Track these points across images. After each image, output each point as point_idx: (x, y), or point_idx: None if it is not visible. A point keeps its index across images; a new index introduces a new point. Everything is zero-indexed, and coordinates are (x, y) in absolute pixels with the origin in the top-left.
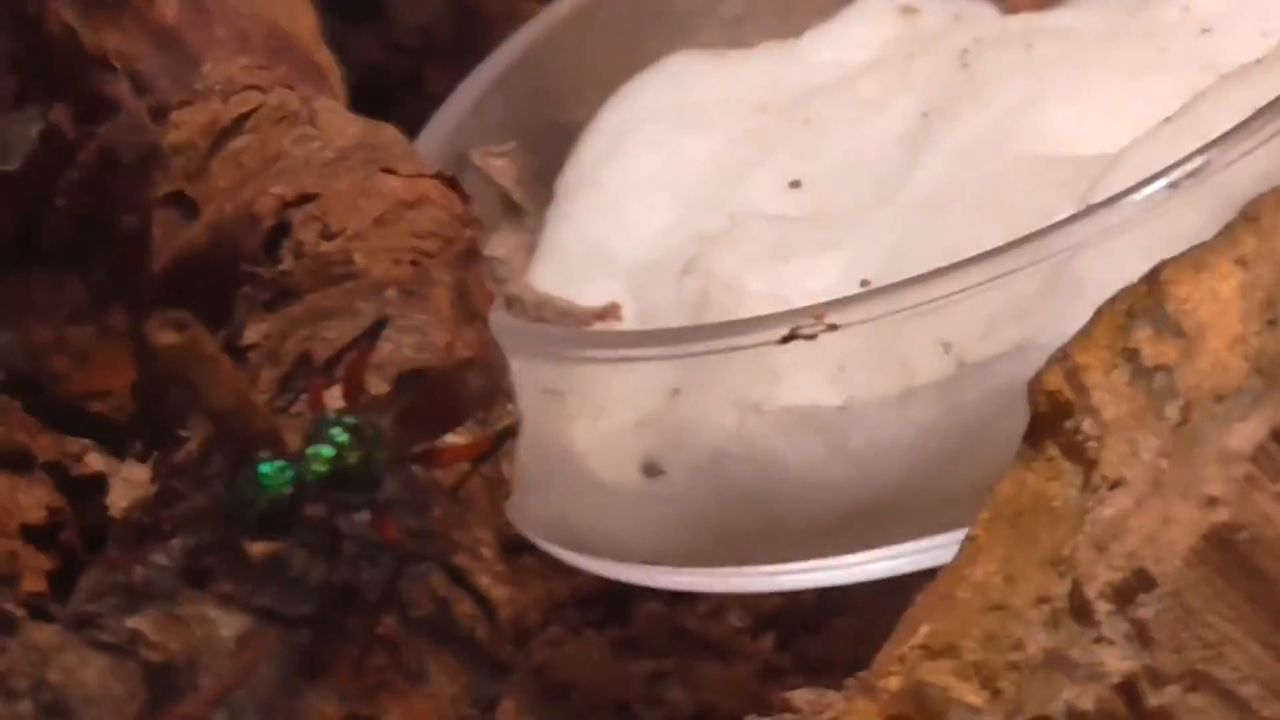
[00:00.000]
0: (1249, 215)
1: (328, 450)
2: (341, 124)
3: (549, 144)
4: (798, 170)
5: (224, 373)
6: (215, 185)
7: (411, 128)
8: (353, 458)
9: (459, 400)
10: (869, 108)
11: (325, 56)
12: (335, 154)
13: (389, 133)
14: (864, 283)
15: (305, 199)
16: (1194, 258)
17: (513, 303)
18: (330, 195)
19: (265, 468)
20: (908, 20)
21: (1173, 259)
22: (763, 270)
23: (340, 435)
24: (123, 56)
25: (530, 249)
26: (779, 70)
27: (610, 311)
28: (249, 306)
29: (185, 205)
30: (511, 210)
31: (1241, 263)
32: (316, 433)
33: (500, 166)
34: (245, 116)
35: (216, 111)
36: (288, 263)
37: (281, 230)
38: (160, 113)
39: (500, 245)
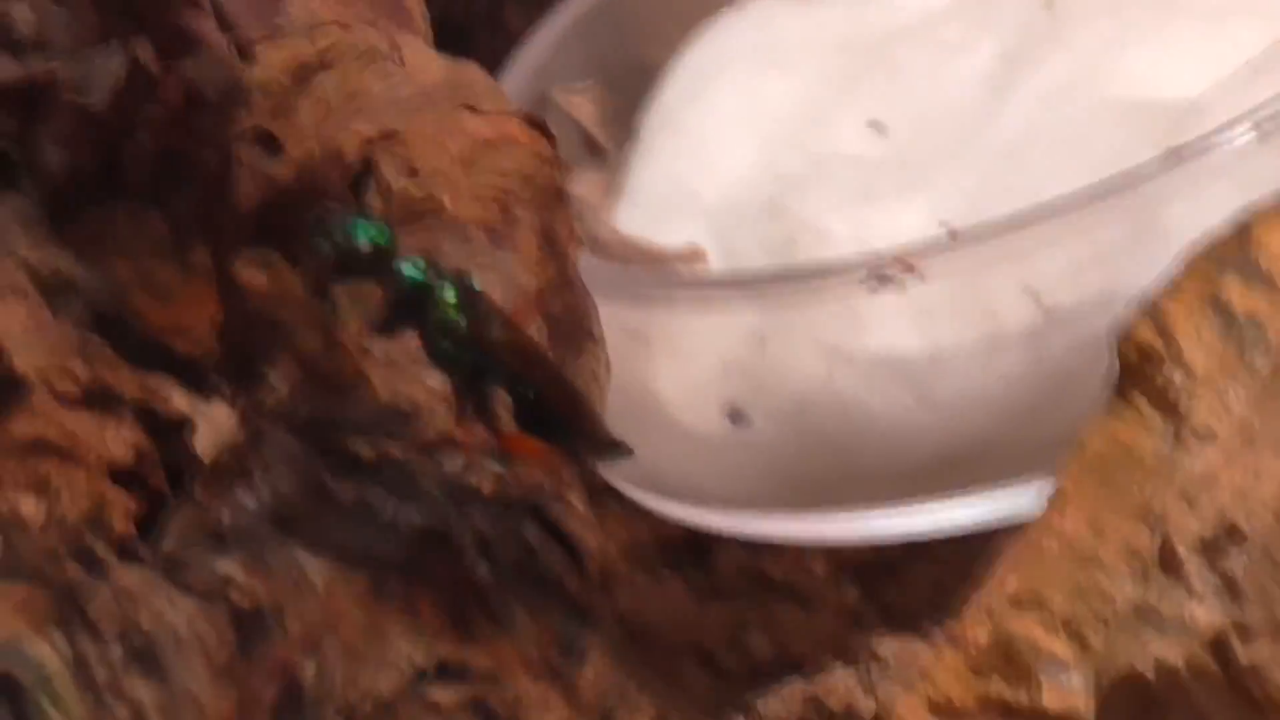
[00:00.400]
0: None
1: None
2: (425, 62)
3: (630, 83)
4: (879, 112)
5: (311, 313)
6: (299, 122)
7: (491, 66)
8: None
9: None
10: (951, 49)
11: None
12: (419, 92)
13: (473, 71)
14: (946, 226)
15: (388, 136)
16: None
17: (595, 244)
18: (413, 133)
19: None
20: None
21: (1261, 208)
22: (845, 212)
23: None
24: None
25: (611, 188)
26: (861, 12)
27: (693, 253)
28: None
29: (269, 142)
30: (592, 149)
31: None
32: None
33: (581, 105)
34: (328, 53)
35: (300, 48)
36: (373, 201)
37: (366, 168)
38: (244, 49)
39: (581, 184)
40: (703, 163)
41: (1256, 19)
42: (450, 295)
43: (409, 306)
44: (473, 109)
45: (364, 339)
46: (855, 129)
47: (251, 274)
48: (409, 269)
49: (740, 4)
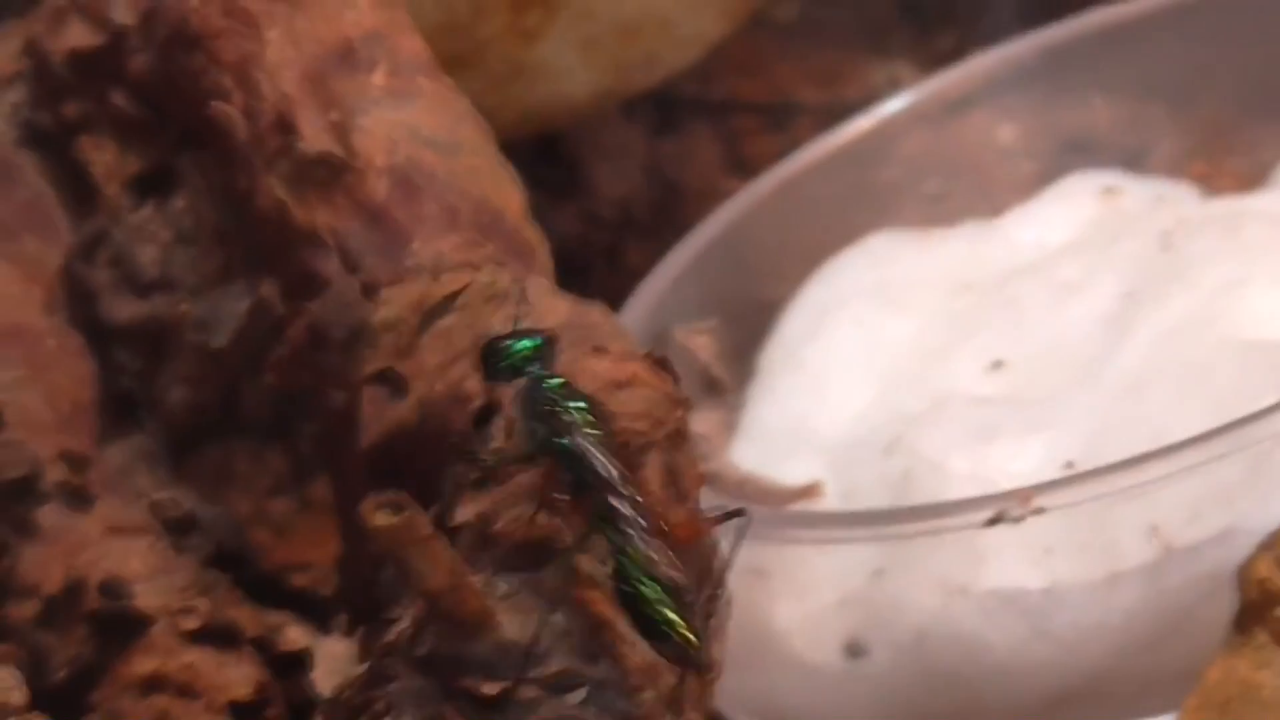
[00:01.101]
0: None
1: None
2: (551, 302)
3: (750, 321)
4: (1000, 350)
5: (438, 554)
6: (424, 363)
7: (611, 303)
8: None
9: None
10: (1070, 288)
11: (533, 233)
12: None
13: (598, 312)
14: (1068, 465)
15: None
16: None
17: (714, 480)
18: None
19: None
20: (1109, 200)
21: None
22: (966, 451)
23: None
24: (333, 233)
25: (731, 426)
26: (980, 249)
27: (812, 490)
28: (459, 485)
29: (394, 382)
30: (712, 387)
31: None
32: None
33: (702, 343)
34: (455, 294)
35: (426, 289)
36: (499, 441)
37: (491, 409)
38: (370, 289)
39: (701, 422)
40: (822, 400)
41: None
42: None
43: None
44: (599, 350)
45: (490, 576)
46: (975, 367)
47: (380, 516)
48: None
49: (860, 241)
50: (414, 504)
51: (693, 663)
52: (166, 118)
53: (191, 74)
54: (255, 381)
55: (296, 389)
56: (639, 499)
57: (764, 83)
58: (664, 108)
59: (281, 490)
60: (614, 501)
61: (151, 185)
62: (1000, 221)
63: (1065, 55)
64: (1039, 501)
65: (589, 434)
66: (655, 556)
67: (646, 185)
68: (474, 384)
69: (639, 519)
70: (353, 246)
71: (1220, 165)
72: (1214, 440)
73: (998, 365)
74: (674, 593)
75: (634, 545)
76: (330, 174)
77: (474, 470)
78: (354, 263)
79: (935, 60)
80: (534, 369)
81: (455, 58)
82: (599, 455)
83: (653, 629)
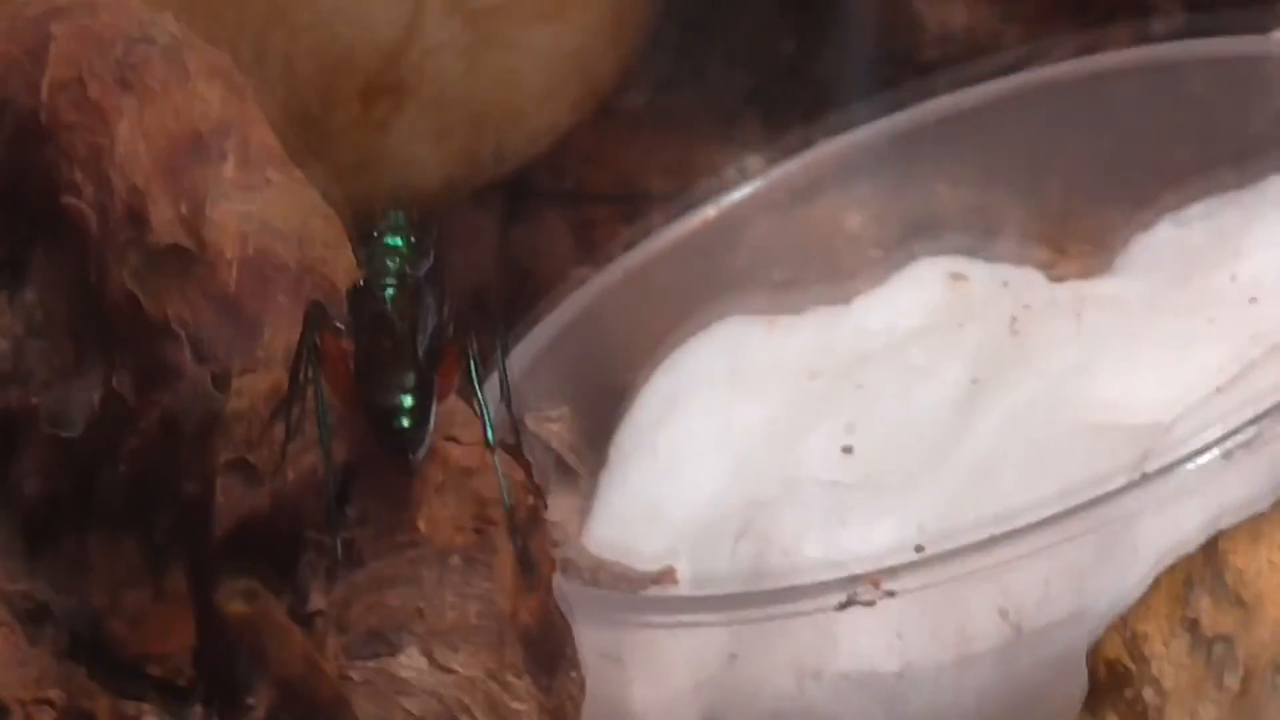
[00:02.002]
0: None
1: None
2: None
3: (601, 407)
4: (850, 435)
5: (293, 641)
6: (276, 454)
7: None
8: None
9: None
10: (920, 373)
11: None
12: None
13: (450, 400)
14: (919, 547)
15: (365, 464)
16: (1250, 527)
17: (568, 566)
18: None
19: None
20: (956, 286)
21: (1229, 529)
22: (818, 534)
23: None
24: (184, 323)
25: (584, 512)
26: (829, 335)
27: (666, 575)
28: (313, 572)
29: (247, 472)
30: (565, 473)
31: None
32: None
33: (554, 430)
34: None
35: (278, 378)
36: (351, 529)
37: (343, 495)
38: (221, 380)
39: (555, 508)
40: (675, 485)
41: (1220, 344)
42: None
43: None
44: (451, 438)
45: (344, 662)
46: (826, 451)
47: (234, 604)
48: None
49: (711, 328)
50: (268, 592)
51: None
52: (17, 210)
53: (42, 167)
54: (109, 472)
55: (150, 479)
56: None
57: (613, 171)
58: (515, 196)
59: (136, 580)
60: None
61: (2, 279)
62: (849, 307)
63: (910, 143)
64: (890, 584)
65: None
66: None
67: (497, 274)
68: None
69: None
70: (204, 337)
71: (1064, 249)
72: (1063, 522)
73: (848, 449)
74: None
75: None
76: (181, 265)
77: (327, 558)
78: (205, 353)
79: (782, 148)
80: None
81: (305, 148)
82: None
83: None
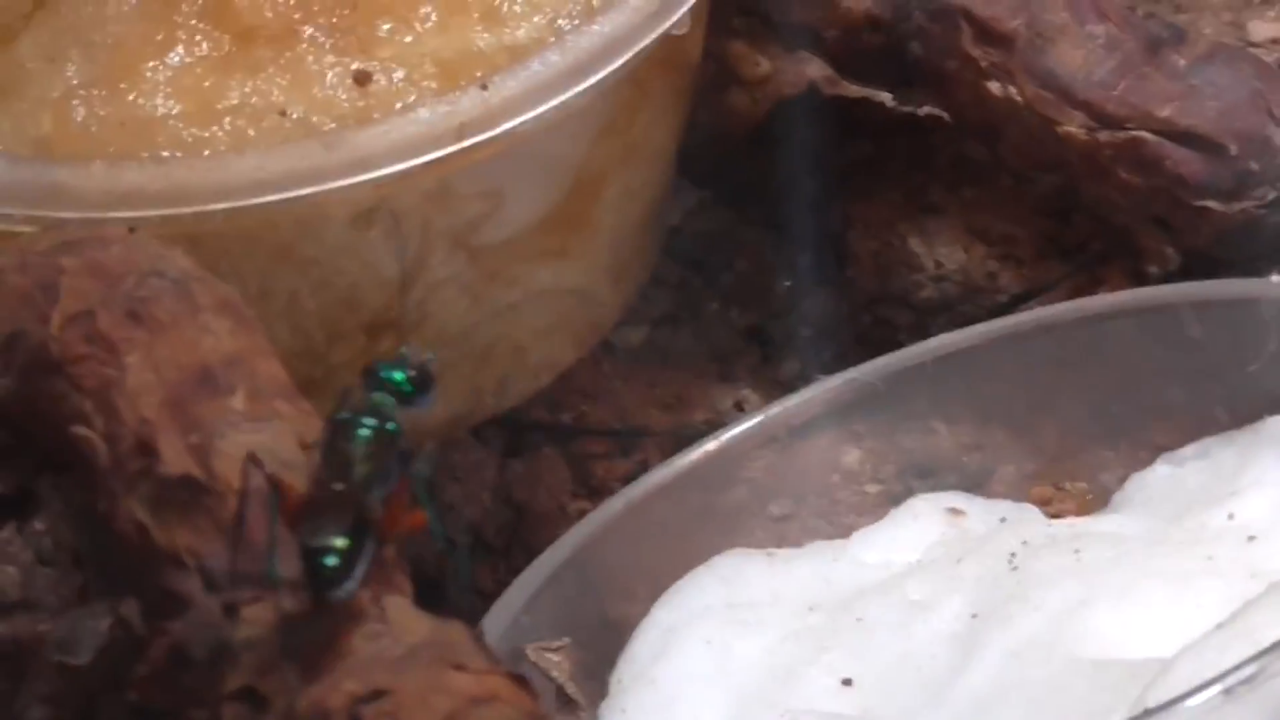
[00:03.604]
0: None
1: None
2: (410, 620)
3: (602, 640)
4: (850, 669)
5: None
6: (286, 680)
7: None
8: None
9: None
10: (918, 608)
11: (390, 551)
12: (405, 650)
13: (457, 630)
14: None
15: (376, 695)
16: None
17: None
18: (401, 692)
19: None
20: (954, 522)
21: None
22: None
23: None
24: (193, 553)
25: None
26: (828, 570)
27: None
28: None
29: (256, 701)
30: (567, 705)
31: None
32: None
33: (555, 661)
34: (315, 613)
35: (287, 606)
36: None
37: None
38: (230, 609)
39: None
40: (674, 718)
41: (1220, 580)
42: None
43: None
44: (459, 667)
45: None
46: (826, 686)
47: None
48: None
49: (710, 562)
50: None
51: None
52: (27, 441)
53: (52, 398)
54: (116, 701)
55: (157, 708)
56: None
57: (612, 407)
58: (514, 431)
59: None
60: None
61: (12, 507)
62: (847, 543)
63: (907, 381)
64: None
65: None
66: None
67: (496, 507)
68: (337, 700)
69: None
70: (213, 567)
71: (1061, 487)
72: None
73: (848, 683)
74: None
75: None
76: (191, 496)
77: None
78: (215, 583)
79: (779, 386)
80: None
81: (309, 382)
82: None
83: None
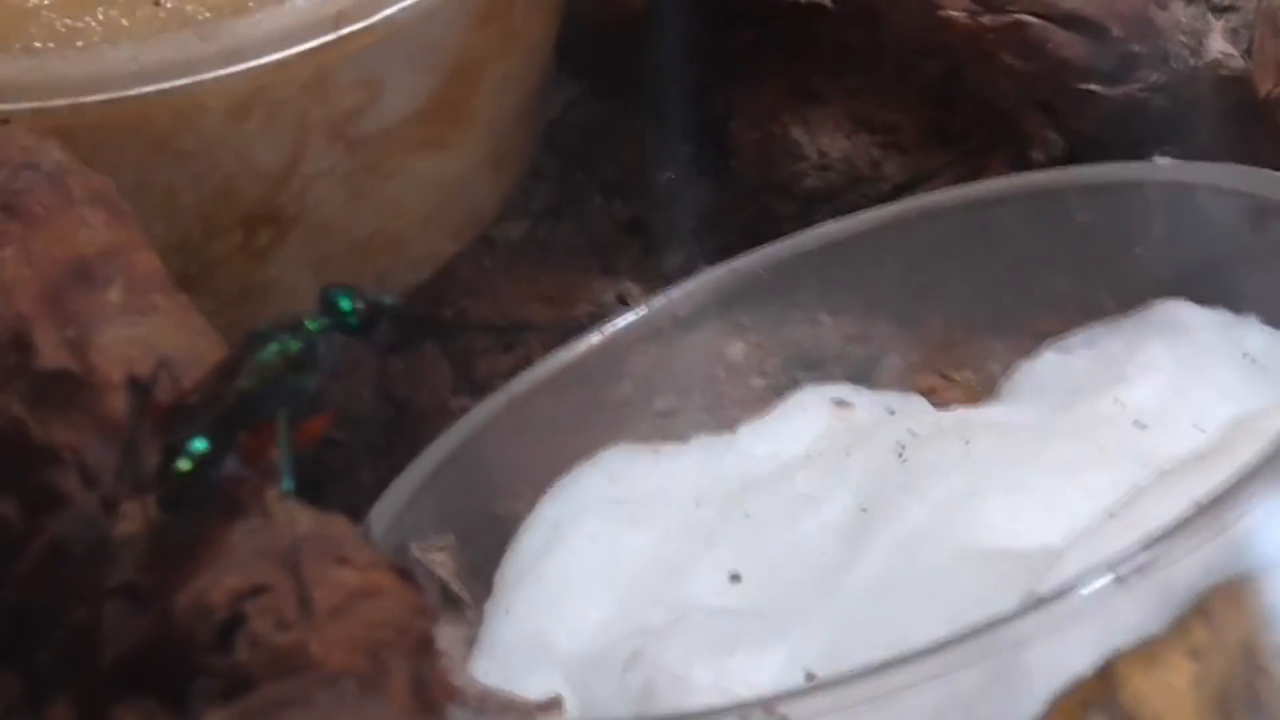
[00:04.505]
0: (1200, 608)
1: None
2: (292, 515)
3: (486, 538)
4: (738, 563)
5: None
6: (166, 577)
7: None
8: None
9: None
10: (807, 501)
11: None
12: (287, 544)
13: (340, 524)
14: (809, 675)
15: (257, 590)
16: (1146, 650)
17: (455, 695)
18: (283, 586)
19: None
20: (841, 414)
21: (1125, 652)
22: (707, 663)
23: None
24: (71, 449)
25: (470, 642)
26: (715, 464)
27: (552, 705)
28: (204, 698)
29: (136, 597)
30: (451, 603)
31: (1194, 655)
32: None
33: (439, 560)
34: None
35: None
36: (243, 653)
37: (235, 622)
38: (110, 505)
39: (440, 638)
40: (560, 614)
41: (1109, 469)
42: None
43: None
44: (343, 560)
45: None
46: (714, 580)
47: None
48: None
49: (595, 457)
50: (163, 715)
51: None
52: None
53: None
54: None
55: (36, 606)
56: None
57: (493, 302)
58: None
59: (18, 713)
60: None
61: None
62: (733, 437)
63: (792, 271)
64: (783, 710)
65: None
66: None
67: (377, 404)
68: (218, 596)
69: None
70: (92, 462)
71: (949, 377)
72: (953, 648)
73: (736, 578)
74: None
75: None
76: (68, 390)
77: (219, 683)
78: (93, 478)
79: (663, 278)
80: None
81: (185, 278)
82: None
83: None
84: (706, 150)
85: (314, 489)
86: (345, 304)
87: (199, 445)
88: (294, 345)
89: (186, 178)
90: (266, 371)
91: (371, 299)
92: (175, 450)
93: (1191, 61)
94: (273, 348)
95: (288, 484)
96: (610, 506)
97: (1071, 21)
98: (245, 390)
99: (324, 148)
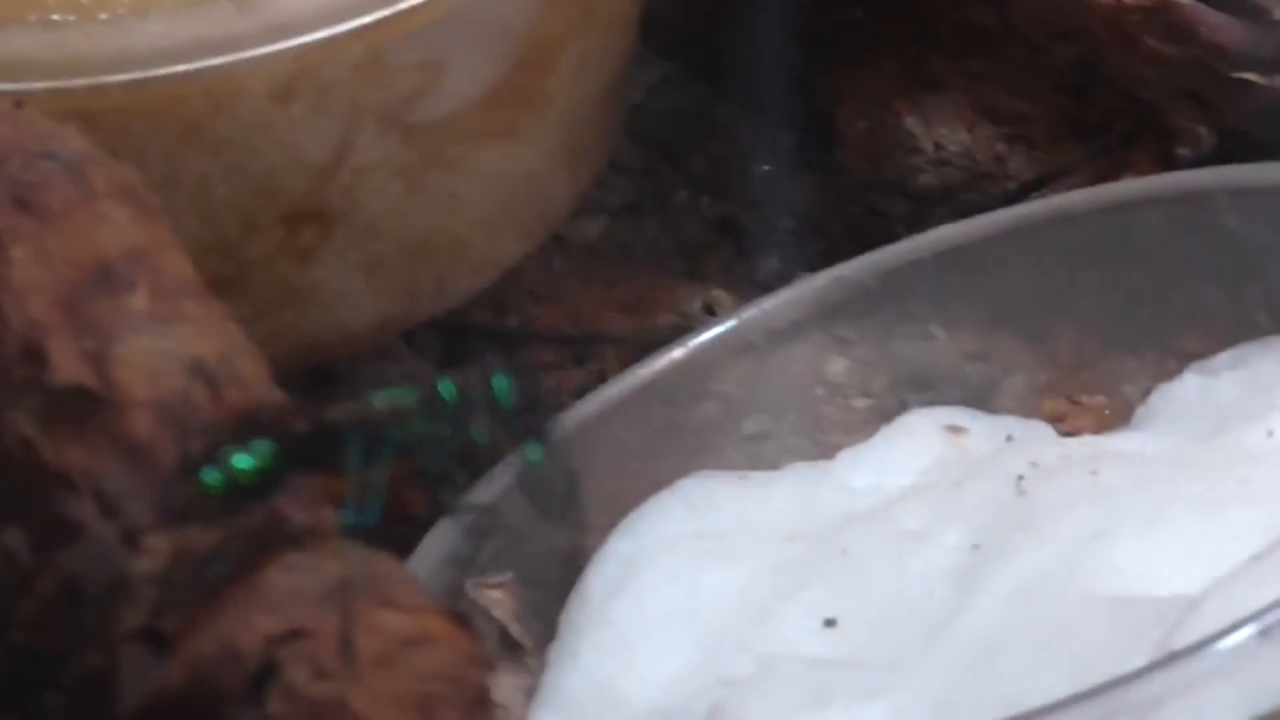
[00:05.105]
0: None
1: None
2: (335, 550)
3: (551, 574)
4: (834, 607)
5: None
6: (193, 619)
7: (398, 554)
8: None
9: None
10: (913, 539)
11: None
12: (328, 585)
13: (387, 561)
14: None
15: (295, 635)
16: None
17: None
18: (323, 632)
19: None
20: (954, 441)
21: (1268, 714)
22: (797, 719)
23: None
24: (87, 474)
25: (531, 692)
26: (810, 495)
27: None
28: None
29: (156, 641)
30: (510, 649)
31: None
32: None
33: (497, 599)
34: (225, 542)
35: (194, 535)
36: (276, 706)
37: (268, 670)
38: (130, 537)
39: (498, 688)
40: (633, 662)
41: (1256, 507)
42: None
43: None
44: (389, 604)
45: None
46: (806, 626)
47: None
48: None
49: (675, 486)
50: None
51: None
52: None
53: None
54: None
55: (47, 650)
56: None
57: (564, 310)
58: (452, 337)
59: None
60: None
61: None
62: (831, 464)
63: (903, 279)
64: None
65: None
66: None
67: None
68: (249, 640)
69: None
70: (110, 489)
71: (1077, 401)
72: (1076, 708)
73: (831, 624)
74: None
75: None
76: (85, 408)
77: None
78: (112, 507)
79: (756, 285)
80: None
81: (220, 282)
82: None
83: None
84: (808, 141)
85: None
86: (501, 384)
87: (241, 461)
88: (407, 397)
89: (222, 168)
90: (362, 414)
91: (532, 388)
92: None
93: None
94: (385, 393)
95: (350, 517)
96: (691, 541)
97: (1226, 1)
98: (330, 422)
99: (377, 137)
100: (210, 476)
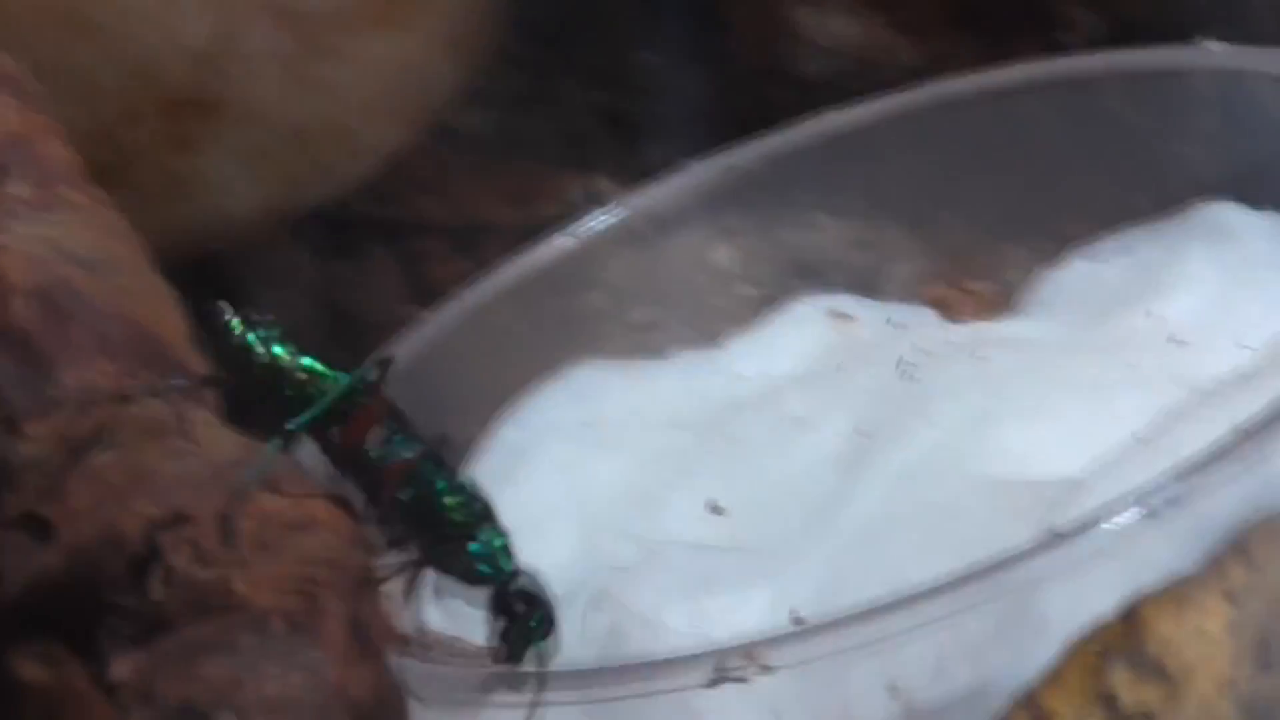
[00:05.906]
0: (1238, 546)
1: None
2: (218, 438)
3: None
4: (719, 494)
5: (95, 713)
6: (73, 505)
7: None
8: None
9: None
10: (799, 425)
11: (198, 364)
12: (211, 471)
13: (271, 447)
14: (796, 618)
15: (177, 520)
16: (1176, 592)
17: (401, 640)
18: (205, 516)
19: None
20: (841, 327)
21: (1152, 594)
22: (682, 604)
23: None
24: None
25: (418, 579)
26: (696, 383)
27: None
28: (115, 640)
29: (38, 527)
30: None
31: (1230, 598)
32: None
33: None
34: (107, 428)
35: (74, 422)
36: (157, 591)
37: (150, 555)
38: (10, 424)
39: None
40: (521, 550)
41: (1139, 390)
42: None
43: None
44: (272, 489)
45: None
46: (693, 513)
47: (30, 669)
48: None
49: (561, 375)
50: (68, 657)
51: None
52: None
53: None
54: None
55: None
56: None
57: (449, 200)
58: (336, 228)
59: None
60: None
61: None
62: (718, 352)
63: (788, 167)
64: (766, 658)
65: None
66: None
67: (319, 316)
68: (130, 526)
69: None
70: None
71: (963, 287)
72: (960, 588)
73: (717, 509)
74: None
75: None
76: None
77: (130, 624)
78: None
79: (642, 174)
80: None
81: (102, 169)
82: None
83: None
84: (696, 30)
85: (247, 412)
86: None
87: None
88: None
89: (102, 55)
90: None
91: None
92: None
93: None
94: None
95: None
96: (577, 429)
97: None
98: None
99: (259, 24)
100: None
